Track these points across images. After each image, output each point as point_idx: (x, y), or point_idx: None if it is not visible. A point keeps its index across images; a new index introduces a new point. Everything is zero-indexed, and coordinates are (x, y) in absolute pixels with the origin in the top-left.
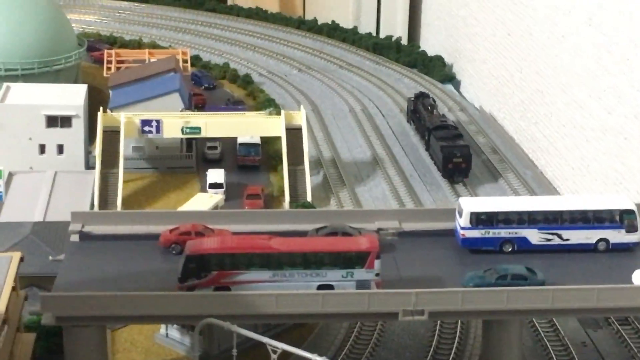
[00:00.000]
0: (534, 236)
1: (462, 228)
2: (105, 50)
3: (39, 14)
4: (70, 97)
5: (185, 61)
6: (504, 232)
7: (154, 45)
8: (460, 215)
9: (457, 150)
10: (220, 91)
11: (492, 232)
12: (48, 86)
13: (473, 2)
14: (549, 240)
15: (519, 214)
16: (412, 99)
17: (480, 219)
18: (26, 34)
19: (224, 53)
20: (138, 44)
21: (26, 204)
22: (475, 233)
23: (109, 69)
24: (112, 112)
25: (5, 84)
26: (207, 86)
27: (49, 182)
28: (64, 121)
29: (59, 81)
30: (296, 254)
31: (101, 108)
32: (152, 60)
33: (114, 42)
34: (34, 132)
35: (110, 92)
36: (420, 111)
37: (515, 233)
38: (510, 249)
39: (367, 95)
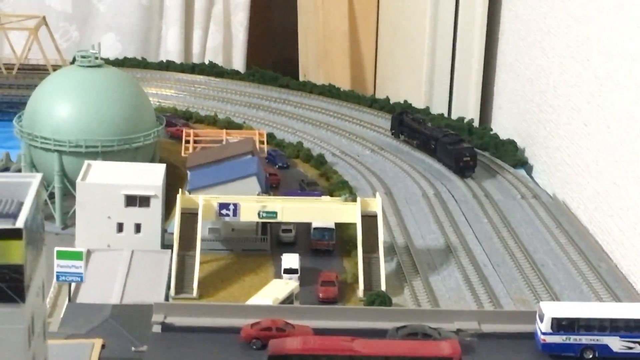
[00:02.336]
0: (616, 344)
1: (543, 333)
2: (184, 130)
3: (119, 92)
4: (149, 177)
5: (261, 142)
6: (585, 339)
7: (228, 122)
8: (541, 320)
9: (465, 151)
10: (294, 171)
11: (573, 338)
12: (127, 165)
13: (548, 90)
14: (631, 348)
15: (601, 320)
16: (397, 114)
17: (561, 325)
18: (107, 112)
19: (297, 131)
20: (213, 120)
21: (104, 284)
22: (556, 338)
23: (187, 148)
24: (190, 194)
25: (86, 162)
26: (281, 165)
27: (126, 261)
28: (143, 201)
29: (138, 158)
30: (379, 358)
31: (180, 190)
32: (229, 140)
33: (189, 117)
34: (113, 211)
35: (189, 173)
36: (413, 125)
37: (597, 340)
38: (591, 356)
39: (439, 178)
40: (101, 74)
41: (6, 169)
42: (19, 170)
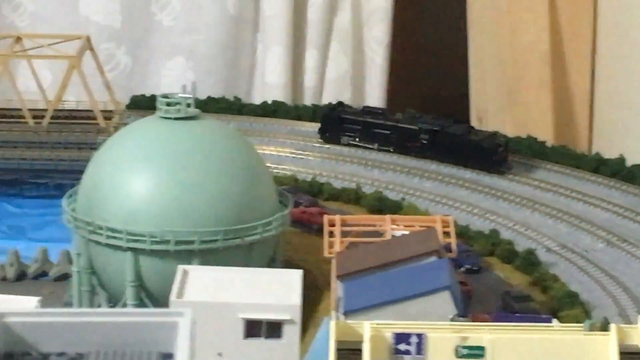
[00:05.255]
0: None
1: None
2: (325, 215)
3: (226, 159)
4: (280, 291)
5: (447, 234)
6: None
7: (379, 199)
8: None
9: (494, 139)
10: (490, 276)
11: None
12: (243, 272)
13: None
14: None
15: None
16: (330, 112)
17: None
18: (207, 191)
19: (487, 212)
20: (355, 195)
21: None
22: None
23: (331, 244)
24: (346, 318)
25: (180, 268)
26: (469, 268)
27: None
28: (272, 329)
29: (252, 259)
30: None
31: (332, 313)
32: (396, 231)
33: (318, 191)
34: (225, 345)
35: (341, 285)
36: (374, 120)
37: None
38: None
39: None
40: (197, 131)
41: (42, 275)
42: (62, 277)
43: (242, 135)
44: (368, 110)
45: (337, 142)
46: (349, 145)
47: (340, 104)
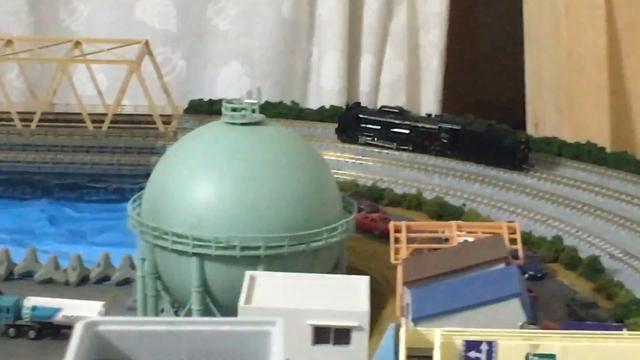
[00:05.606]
0: None
1: None
2: (391, 221)
3: (292, 165)
4: (347, 296)
5: (513, 241)
6: None
7: (440, 204)
8: None
9: (515, 137)
10: (553, 283)
11: None
12: (309, 277)
13: None
14: None
15: None
16: (348, 111)
17: None
18: (273, 196)
19: (549, 219)
20: (416, 201)
21: None
22: None
23: (397, 251)
24: (415, 325)
25: (248, 274)
26: (533, 274)
27: None
28: (340, 335)
29: (317, 265)
30: None
31: (402, 320)
32: (460, 237)
33: (379, 196)
34: (293, 351)
35: (409, 292)
36: (392, 120)
37: None
38: None
39: None
40: (263, 136)
41: (104, 279)
42: (124, 281)
43: (310, 144)
44: (386, 110)
45: (355, 141)
46: (367, 145)
47: (357, 104)
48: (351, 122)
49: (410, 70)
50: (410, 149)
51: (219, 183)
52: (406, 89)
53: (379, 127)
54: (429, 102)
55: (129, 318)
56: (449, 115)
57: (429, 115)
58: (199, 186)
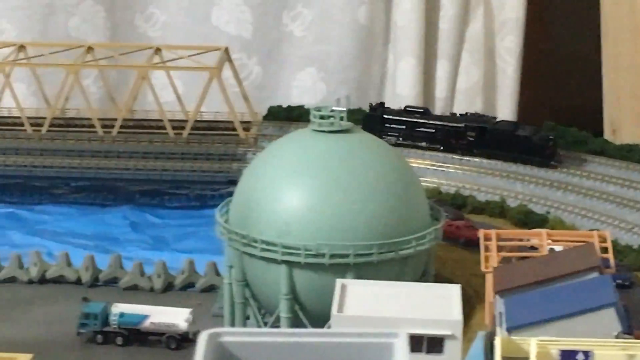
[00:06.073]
0: None
1: None
2: (481, 229)
3: (380, 173)
4: (439, 304)
5: (604, 250)
6: None
7: (525, 212)
8: None
9: (543, 134)
10: None
11: None
12: (400, 285)
13: None
14: None
15: None
16: (372, 111)
17: None
18: (362, 204)
19: (635, 227)
20: (500, 208)
21: None
22: None
23: (487, 259)
24: (509, 334)
25: (339, 282)
26: (620, 283)
27: None
28: (433, 344)
29: (405, 273)
30: None
31: (497, 330)
32: (550, 245)
33: (462, 204)
34: None
35: (501, 300)
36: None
37: None
38: None
39: None
40: (351, 144)
41: (189, 286)
42: (209, 288)
43: (399, 151)
44: (410, 110)
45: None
46: (395, 145)
47: (381, 104)
48: (376, 122)
49: (486, 76)
50: (441, 148)
51: (308, 191)
52: (482, 95)
53: (404, 127)
54: (505, 108)
55: (250, 329)
56: (472, 114)
57: (453, 114)
58: (288, 194)
